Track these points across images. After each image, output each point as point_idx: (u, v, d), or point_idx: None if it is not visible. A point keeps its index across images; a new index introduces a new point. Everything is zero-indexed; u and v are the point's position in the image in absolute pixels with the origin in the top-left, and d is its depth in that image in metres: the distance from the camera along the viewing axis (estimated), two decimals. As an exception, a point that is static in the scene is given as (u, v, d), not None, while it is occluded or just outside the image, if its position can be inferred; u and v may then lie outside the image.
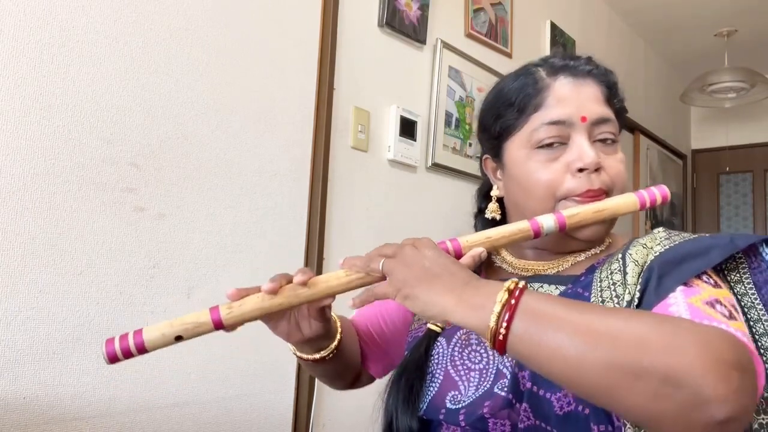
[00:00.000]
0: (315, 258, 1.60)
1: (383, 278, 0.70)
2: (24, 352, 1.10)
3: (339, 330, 0.86)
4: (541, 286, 0.79)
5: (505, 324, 0.58)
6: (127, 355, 0.67)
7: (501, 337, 0.58)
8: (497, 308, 0.59)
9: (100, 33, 1.23)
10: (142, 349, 0.67)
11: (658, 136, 3.89)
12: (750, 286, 0.71)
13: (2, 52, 1.09)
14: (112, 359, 0.67)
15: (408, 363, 0.82)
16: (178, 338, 0.68)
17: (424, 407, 0.78)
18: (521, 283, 0.61)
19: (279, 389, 1.53)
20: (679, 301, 0.63)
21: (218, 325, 0.69)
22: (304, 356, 0.84)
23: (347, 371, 0.93)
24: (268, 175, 1.53)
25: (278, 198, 1.55)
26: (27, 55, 1.12)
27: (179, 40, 1.36)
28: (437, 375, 0.80)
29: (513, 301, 0.59)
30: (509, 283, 0.61)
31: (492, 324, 0.58)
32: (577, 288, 0.75)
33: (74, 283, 1.17)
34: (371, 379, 0.98)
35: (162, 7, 1.33)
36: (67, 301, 1.16)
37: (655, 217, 3.86)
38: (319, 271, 1.62)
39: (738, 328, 0.59)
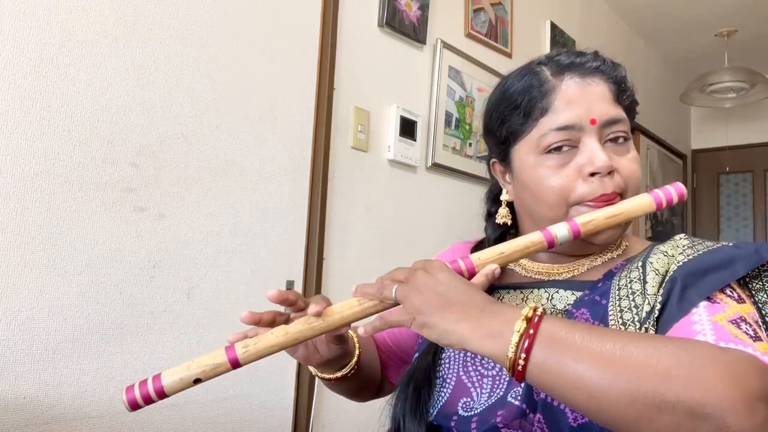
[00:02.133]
0: (315, 258, 1.60)
1: (396, 304, 0.68)
2: (24, 352, 1.10)
3: (357, 346, 0.84)
4: (557, 292, 0.77)
5: (524, 354, 0.57)
6: (148, 401, 0.67)
7: (520, 368, 0.57)
8: (515, 338, 0.57)
9: (100, 33, 1.23)
10: (162, 395, 0.67)
11: (658, 136, 3.88)
12: None
13: (2, 52, 1.09)
14: (134, 406, 0.67)
15: (416, 369, 0.81)
16: (197, 381, 0.68)
17: (435, 413, 0.76)
18: (539, 310, 0.59)
19: (279, 389, 1.53)
20: (703, 319, 0.61)
21: (235, 365, 0.68)
22: (326, 376, 0.83)
23: (370, 384, 0.92)
24: (268, 175, 1.53)
25: (278, 198, 1.55)
26: (27, 55, 1.12)
27: (179, 40, 1.36)
28: (449, 380, 0.78)
29: (532, 330, 0.57)
30: (527, 311, 0.59)
31: (510, 354, 0.57)
32: (594, 295, 0.73)
33: (74, 283, 1.17)
34: (393, 388, 0.94)
35: (162, 7, 1.33)
36: (67, 301, 1.16)
37: (655, 217, 3.86)
38: (319, 271, 1.62)
39: (765, 351, 0.57)
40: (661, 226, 3.89)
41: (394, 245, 1.88)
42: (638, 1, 3.29)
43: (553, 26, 2.74)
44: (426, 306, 0.64)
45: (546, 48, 2.68)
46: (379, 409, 0.84)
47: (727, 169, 4.32)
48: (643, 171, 3.66)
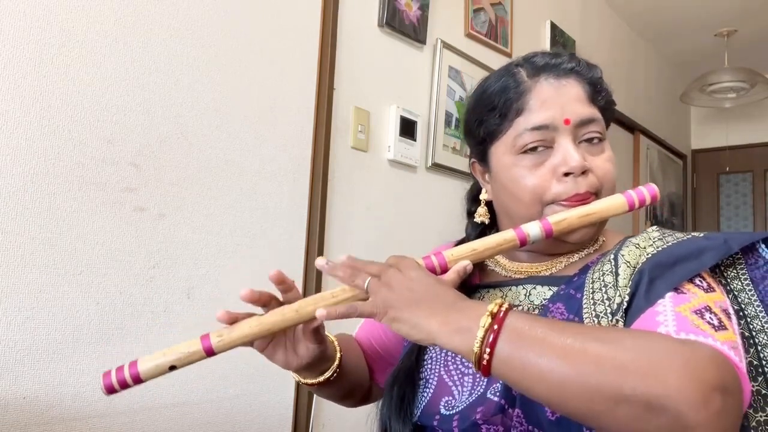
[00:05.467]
0: (315, 258, 1.60)
1: (367, 296, 0.69)
2: (24, 352, 1.10)
3: (338, 349, 0.85)
4: (534, 288, 0.79)
5: (488, 349, 0.58)
6: (124, 386, 0.69)
7: (485, 362, 0.59)
8: (480, 333, 0.59)
9: (100, 33, 1.23)
10: (137, 380, 0.69)
11: (658, 136, 3.89)
12: (747, 282, 0.70)
13: (2, 52, 1.09)
14: (110, 391, 0.69)
15: (399, 371, 0.82)
16: (172, 367, 0.70)
17: (419, 413, 0.78)
18: (505, 305, 0.61)
19: (279, 389, 1.53)
20: (667, 310, 0.63)
21: (209, 353, 0.70)
22: (309, 381, 0.83)
23: (356, 389, 0.92)
24: (268, 175, 1.53)
25: (278, 198, 1.55)
26: (27, 55, 1.12)
27: (179, 40, 1.36)
28: (431, 381, 0.79)
29: (496, 326, 0.59)
30: (493, 306, 0.61)
31: (476, 348, 0.59)
32: (570, 289, 0.74)
33: (74, 283, 1.17)
34: (382, 392, 0.96)
35: (162, 7, 1.33)
36: (67, 301, 1.16)
37: (655, 217, 3.86)
38: (319, 271, 1.62)
39: (726, 340, 0.58)
40: (661, 225, 3.89)
41: (394, 245, 1.88)
42: (638, 2, 3.29)
43: (553, 26, 2.74)
44: (397, 302, 0.66)
45: (546, 48, 2.68)
46: (373, 418, 0.85)
47: (727, 169, 4.33)
48: (643, 171, 3.68)
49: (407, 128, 1.92)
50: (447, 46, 2.11)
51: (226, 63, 1.45)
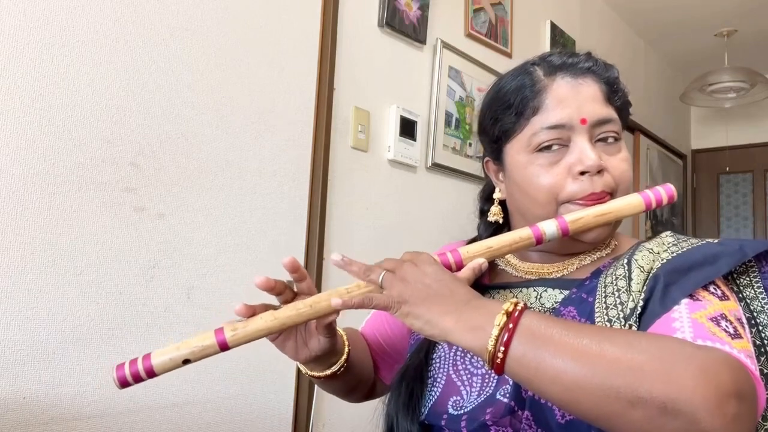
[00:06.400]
0: (315, 258, 1.60)
1: (382, 291, 0.69)
2: (24, 352, 1.10)
3: (347, 343, 0.84)
4: (545, 290, 0.78)
5: (502, 348, 0.58)
6: (137, 379, 0.68)
7: (499, 361, 0.58)
8: (495, 331, 0.59)
9: (100, 33, 1.23)
10: (151, 374, 0.68)
11: (658, 136, 3.88)
12: (760, 290, 0.70)
13: (2, 52, 1.09)
14: (123, 384, 0.68)
15: (408, 368, 0.81)
16: (186, 361, 0.69)
17: (426, 412, 0.77)
18: (520, 305, 0.61)
19: (279, 389, 1.53)
20: (683, 316, 0.62)
21: (223, 347, 0.69)
22: (315, 374, 0.83)
23: (361, 384, 0.92)
24: (268, 175, 1.53)
25: (278, 198, 1.55)
26: (27, 55, 1.12)
27: (179, 40, 1.36)
28: (439, 379, 0.79)
29: (511, 325, 0.59)
30: (508, 305, 0.60)
31: (490, 347, 0.59)
32: (581, 293, 0.74)
33: (74, 283, 1.17)
34: (387, 389, 0.95)
35: (162, 7, 1.33)
36: (67, 301, 1.16)
37: (656, 217, 3.86)
38: (319, 271, 1.62)
39: (742, 348, 0.58)
40: (661, 225, 3.89)
41: (394, 245, 1.88)
42: (638, 2, 3.29)
43: (553, 26, 2.74)
44: (411, 296, 0.65)
45: (546, 48, 2.68)
46: (379, 414, 0.84)
47: (727, 169, 4.32)
48: (643, 171, 3.67)
49: (407, 128, 1.92)
50: (447, 46, 2.11)
51: (226, 63, 1.45)
